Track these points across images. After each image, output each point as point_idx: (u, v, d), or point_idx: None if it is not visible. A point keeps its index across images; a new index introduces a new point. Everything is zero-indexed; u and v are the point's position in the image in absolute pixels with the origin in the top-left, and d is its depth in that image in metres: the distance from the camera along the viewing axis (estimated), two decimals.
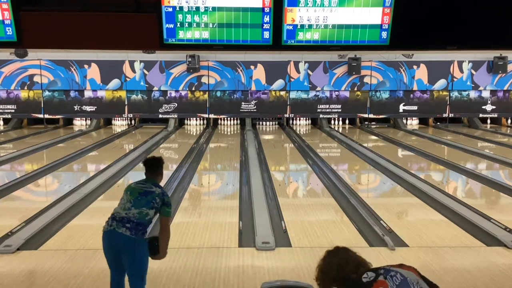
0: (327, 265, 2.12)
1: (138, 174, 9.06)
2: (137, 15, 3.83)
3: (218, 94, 15.85)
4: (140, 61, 15.39)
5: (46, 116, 15.82)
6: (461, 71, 15.93)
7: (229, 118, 16.43)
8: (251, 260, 4.51)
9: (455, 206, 6.21)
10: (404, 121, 16.58)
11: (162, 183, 3.63)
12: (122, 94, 15.71)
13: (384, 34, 3.83)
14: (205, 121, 16.51)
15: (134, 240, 3.16)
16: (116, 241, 3.18)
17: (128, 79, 15.53)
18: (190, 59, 15.03)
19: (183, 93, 15.80)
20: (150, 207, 3.26)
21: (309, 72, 15.70)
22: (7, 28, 3.77)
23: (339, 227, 5.54)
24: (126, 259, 3.22)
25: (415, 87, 15.98)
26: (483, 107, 16.30)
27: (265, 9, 3.74)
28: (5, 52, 14.22)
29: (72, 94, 15.67)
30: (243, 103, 15.89)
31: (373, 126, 16.33)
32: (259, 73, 15.64)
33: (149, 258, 3.31)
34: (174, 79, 15.58)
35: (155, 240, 3.29)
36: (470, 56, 15.69)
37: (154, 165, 3.57)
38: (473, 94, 16.22)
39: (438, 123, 16.71)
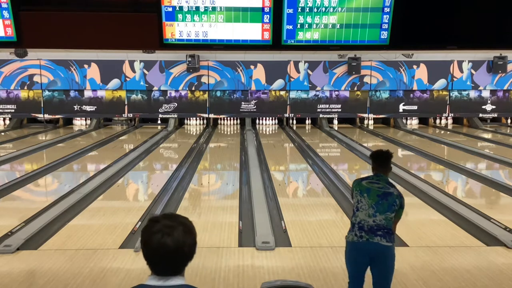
0: None
1: (138, 174, 9.12)
2: (137, 15, 3.83)
3: (218, 94, 15.85)
4: (140, 61, 15.39)
5: (46, 116, 15.82)
6: (461, 70, 15.93)
7: (229, 118, 16.43)
8: (251, 260, 4.51)
9: (455, 206, 6.21)
10: (404, 121, 16.59)
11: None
12: (122, 94, 15.71)
13: (384, 34, 3.83)
14: (205, 121, 16.52)
15: (390, 247, 3.12)
16: (372, 250, 3.10)
17: (128, 79, 15.53)
18: (190, 59, 15.02)
19: (183, 93, 15.79)
20: (392, 210, 3.14)
21: (309, 72, 15.69)
22: (7, 28, 3.77)
23: (339, 227, 5.54)
24: (381, 267, 3.15)
25: (415, 87, 15.98)
26: (483, 107, 16.30)
27: (265, 8, 3.73)
28: (5, 52, 14.21)
29: (72, 94, 15.66)
30: (243, 103, 15.89)
31: (371, 127, 16.34)
32: (259, 73, 15.64)
33: None
34: (174, 79, 15.58)
35: None
36: (470, 56, 15.69)
37: (384, 160, 3.35)
38: (473, 94, 16.22)
39: (443, 121, 16.71)
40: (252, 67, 15.58)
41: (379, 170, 3.33)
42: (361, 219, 3.16)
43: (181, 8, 3.72)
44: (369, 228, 3.10)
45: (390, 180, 3.34)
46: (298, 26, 3.79)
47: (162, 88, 15.66)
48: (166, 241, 1.55)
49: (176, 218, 1.62)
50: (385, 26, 3.81)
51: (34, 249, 4.80)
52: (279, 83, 15.75)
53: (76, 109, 15.76)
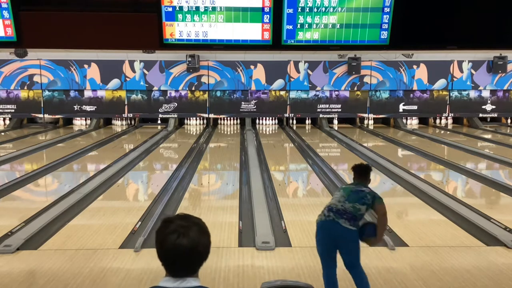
0: None
1: (138, 174, 9.12)
2: (137, 15, 3.83)
3: (218, 94, 15.85)
4: (140, 61, 15.39)
5: (46, 116, 15.82)
6: (461, 70, 15.93)
7: (229, 118, 16.43)
8: (251, 260, 4.51)
9: (455, 206, 6.21)
10: (404, 121, 16.59)
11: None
12: (122, 94, 15.71)
13: (384, 34, 3.83)
14: (205, 121, 16.52)
15: (353, 231, 3.42)
16: (336, 230, 3.43)
17: (128, 79, 15.53)
18: (190, 59, 15.03)
19: (183, 93, 15.79)
20: (361, 203, 3.47)
21: (309, 72, 15.70)
22: (7, 28, 3.77)
23: None
24: (343, 248, 3.49)
25: (415, 87, 15.98)
26: (483, 106, 16.30)
27: (265, 8, 3.74)
28: (5, 52, 14.21)
29: (72, 94, 15.66)
30: (243, 103, 15.89)
31: (371, 127, 16.35)
32: (259, 73, 15.64)
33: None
34: (174, 79, 15.58)
35: (373, 225, 3.57)
36: (470, 56, 15.69)
37: (363, 172, 3.75)
38: (473, 94, 16.23)
39: (443, 121, 16.72)
40: (252, 67, 15.58)
41: (360, 179, 3.72)
42: (332, 203, 3.57)
43: (181, 8, 3.73)
44: (336, 210, 3.48)
45: (368, 186, 3.70)
46: (298, 26, 3.79)
47: (162, 88, 15.66)
48: (182, 241, 1.55)
49: (190, 219, 1.62)
50: (385, 26, 3.81)
51: (34, 249, 4.80)
52: (279, 83, 15.75)
53: (76, 109, 15.76)
